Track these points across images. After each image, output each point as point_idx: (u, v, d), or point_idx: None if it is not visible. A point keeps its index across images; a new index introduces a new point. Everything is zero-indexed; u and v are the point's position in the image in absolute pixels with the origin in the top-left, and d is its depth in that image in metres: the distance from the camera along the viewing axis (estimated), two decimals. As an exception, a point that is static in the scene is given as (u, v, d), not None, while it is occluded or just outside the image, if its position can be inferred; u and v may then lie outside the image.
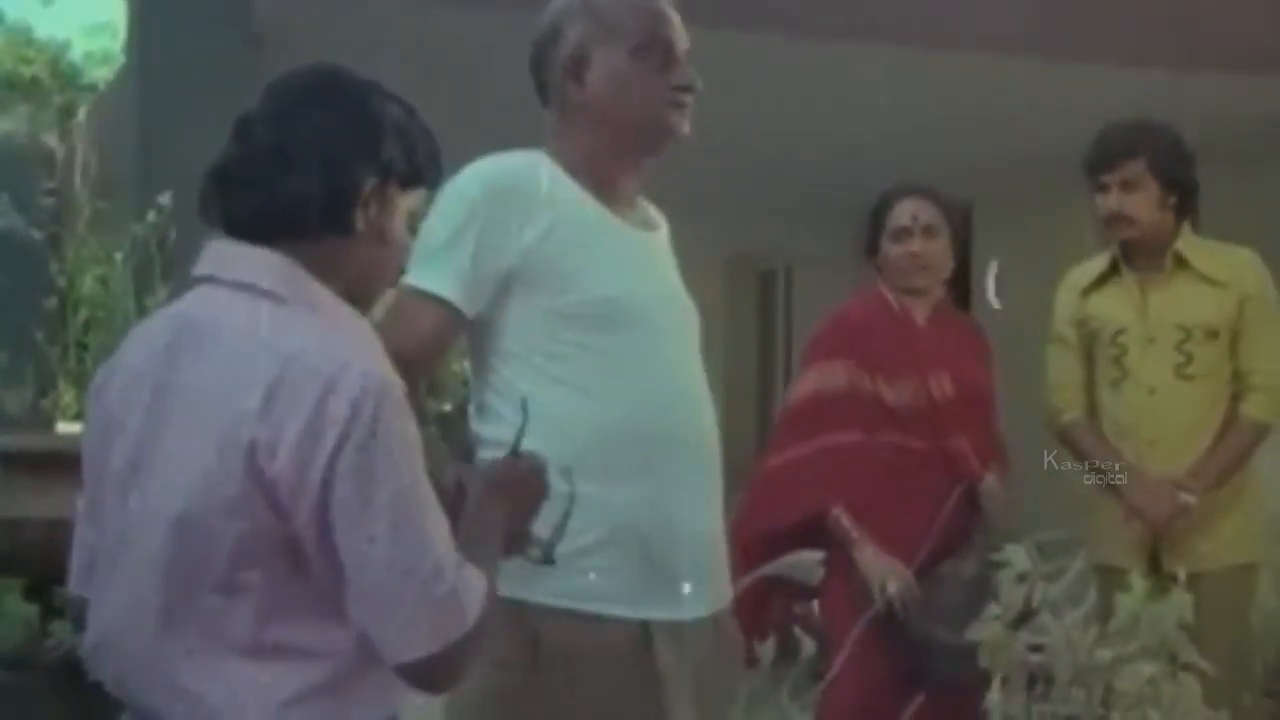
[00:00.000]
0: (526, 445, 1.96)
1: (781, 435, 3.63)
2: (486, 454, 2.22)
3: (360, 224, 1.78)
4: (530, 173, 2.26)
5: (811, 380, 3.57)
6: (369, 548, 1.64)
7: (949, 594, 3.37)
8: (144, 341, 1.81)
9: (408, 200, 1.86)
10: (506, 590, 2.14)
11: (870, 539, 3.37)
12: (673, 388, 2.28)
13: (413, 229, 1.91)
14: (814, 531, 3.40)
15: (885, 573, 3.35)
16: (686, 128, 2.34)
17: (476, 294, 2.20)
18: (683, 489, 2.25)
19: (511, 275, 2.20)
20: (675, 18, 2.34)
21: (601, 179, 2.30)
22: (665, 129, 2.32)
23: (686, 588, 2.26)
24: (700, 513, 2.29)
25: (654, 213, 2.44)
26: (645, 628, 2.20)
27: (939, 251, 3.57)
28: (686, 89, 2.33)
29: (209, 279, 1.78)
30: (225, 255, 1.78)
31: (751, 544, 3.37)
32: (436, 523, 1.69)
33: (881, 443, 3.47)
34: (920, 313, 3.58)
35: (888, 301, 3.58)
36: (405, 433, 1.68)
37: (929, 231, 3.55)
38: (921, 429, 3.47)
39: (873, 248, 3.62)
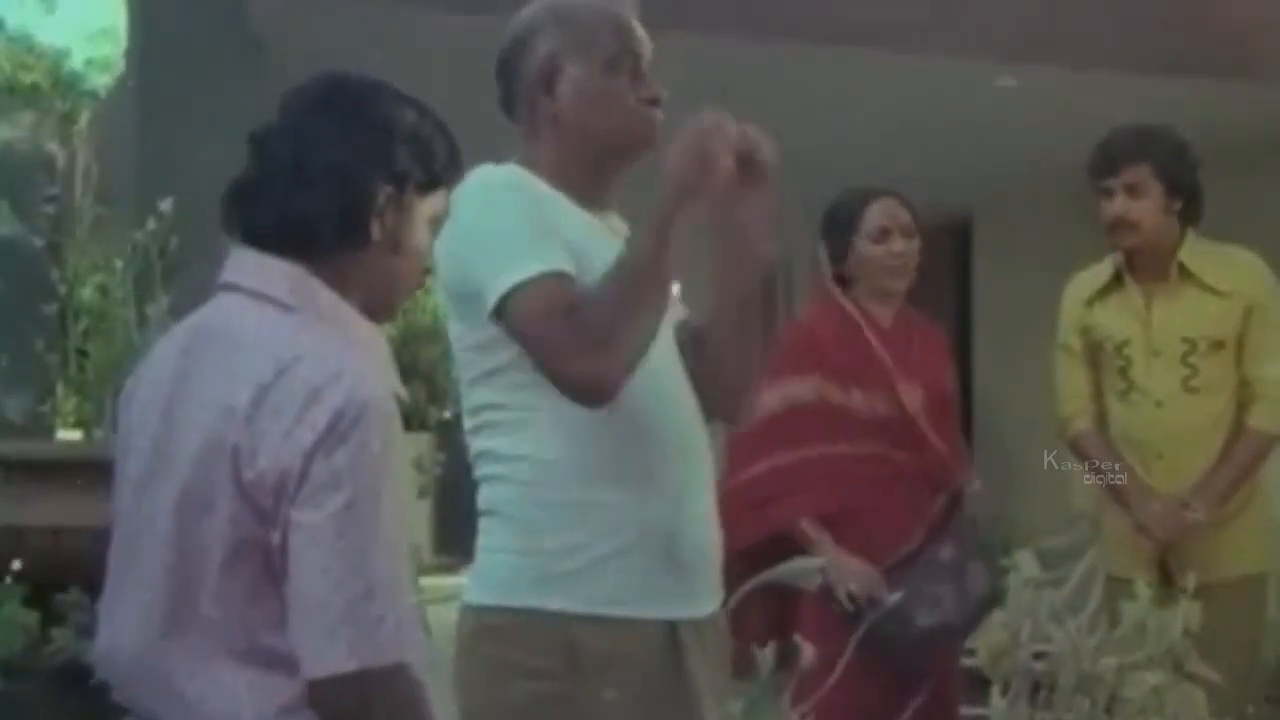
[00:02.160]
0: (550, 457, 2.07)
1: (747, 451, 3.53)
2: (495, 468, 2.21)
3: (376, 235, 1.78)
4: (525, 179, 2.24)
5: (777, 395, 3.47)
6: (309, 550, 1.63)
7: (923, 575, 3.37)
8: (165, 350, 1.83)
9: (428, 205, 1.85)
10: (537, 600, 2.15)
11: (832, 543, 3.35)
12: (674, 387, 2.28)
13: (435, 232, 1.89)
14: (792, 548, 3.37)
15: (847, 575, 3.33)
16: (657, 140, 2.31)
17: (569, 259, 2.14)
18: (693, 485, 2.26)
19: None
20: (641, 29, 2.33)
21: (576, 190, 2.28)
22: (639, 141, 2.31)
23: (702, 583, 2.27)
24: (708, 507, 2.30)
25: (620, 224, 2.41)
26: (673, 627, 2.21)
27: (916, 253, 3.53)
28: (655, 101, 2.31)
29: (230, 287, 1.79)
30: (245, 264, 1.79)
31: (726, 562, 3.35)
32: (387, 547, 1.67)
33: (857, 454, 3.44)
34: (885, 318, 3.54)
35: (848, 312, 3.52)
36: (379, 450, 1.67)
37: (907, 231, 3.51)
38: (899, 440, 3.45)
39: (841, 251, 3.55)
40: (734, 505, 3.56)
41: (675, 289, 2.49)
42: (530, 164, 2.27)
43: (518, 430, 2.19)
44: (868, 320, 3.51)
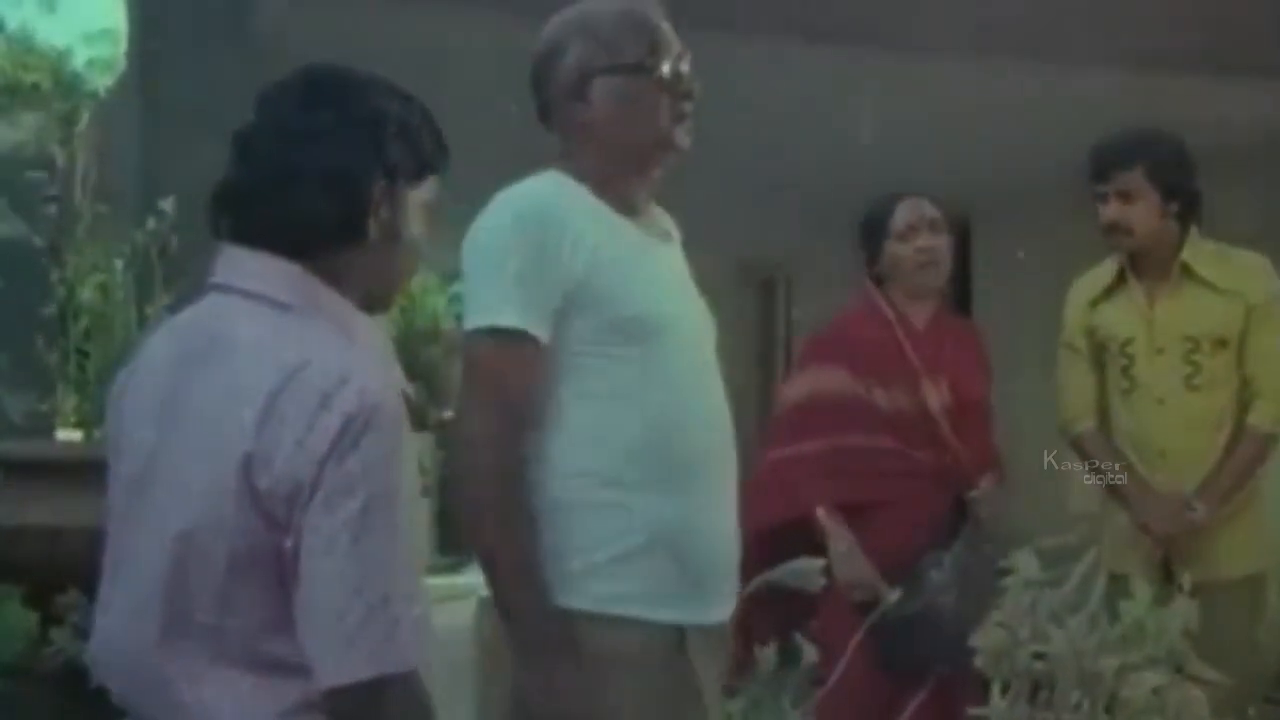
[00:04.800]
0: (570, 459, 2.15)
1: (773, 436, 3.65)
2: None
3: (373, 230, 1.78)
4: (560, 194, 2.28)
5: (806, 382, 3.61)
6: (324, 557, 1.62)
7: (928, 573, 3.42)
8: (158, 350, 1.82)
9: (419, 193, 1.85)
10: None
11: (847, 537, 3.39)
12: (702, 396, 2.33)
13: (426, 219, 1.90)
14: (807, 535, 3.41)
15: (854, 581, 3.38)
16: (689, 141, 2.37)
17: (550, 322, 2.21)
18: (713, 494, 2.30)
19: (566, 298, 2.21)
20: (669, 28, 2.37)
21: (616, 194, 2.33)
22: (670, 143, 2.36)
23: (716, 591, 2.30)
24: (727, 517, 2.34)
25: (669, 222, 2.46)
26: (680, 632, 2.23)
27: (945, 247, 3.61)
28: (688, 96, 2.35)
29: (224, 287, 1.78)
30: (239, 264, 1.78)
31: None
32: (401, 551, 1.67)
33: (877, 448, 3.49)
34: (921, 318, 3.60)
35: (881, 311, 3.59)
36: (390, 451, 1.67)
37: (934, 226, 3.60)
38: (918, 438, 3.48)
39: (874, 254, 3.62)
40: (756, 487, 3.63)
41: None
42: (572, 171, 2.32)
43: (542, 433, 2.22)
44: (901, 320, 3.57)
